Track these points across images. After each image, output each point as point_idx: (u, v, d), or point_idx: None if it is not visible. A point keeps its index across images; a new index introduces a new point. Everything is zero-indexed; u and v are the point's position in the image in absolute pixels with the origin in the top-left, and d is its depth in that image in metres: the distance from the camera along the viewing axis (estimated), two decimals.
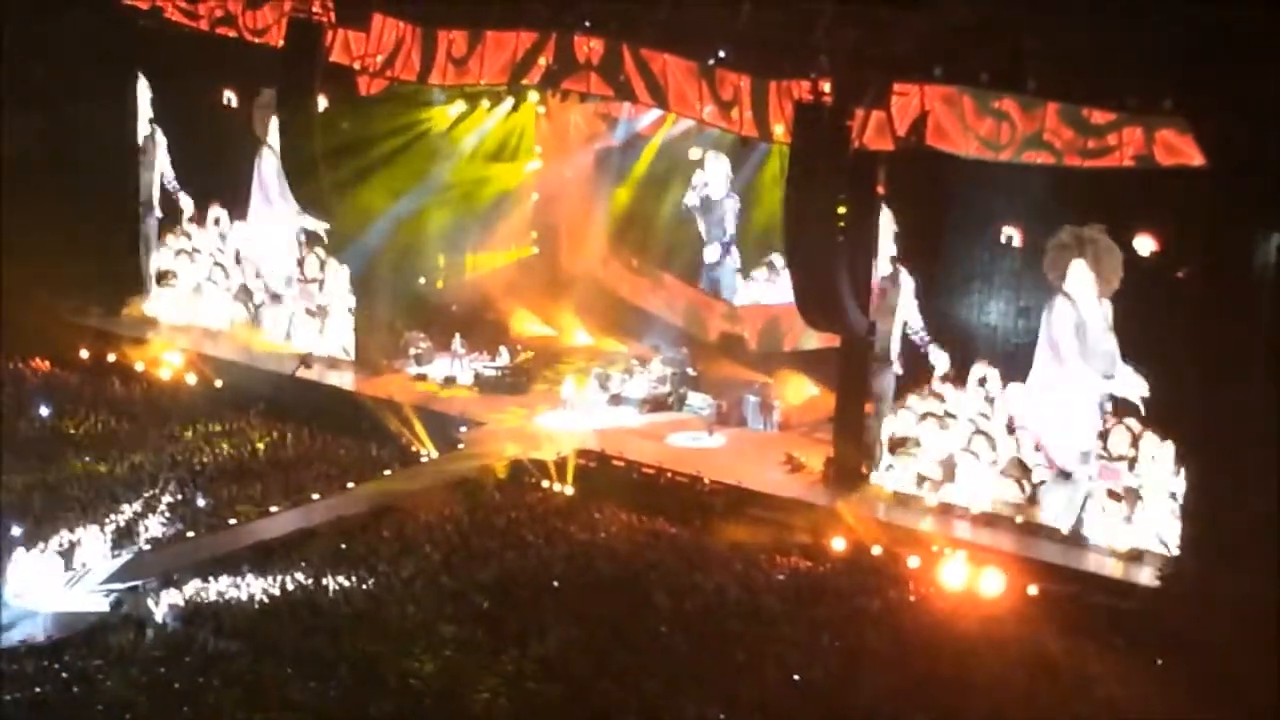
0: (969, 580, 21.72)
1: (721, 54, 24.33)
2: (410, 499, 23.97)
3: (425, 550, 22.26)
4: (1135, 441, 22.23)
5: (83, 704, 18.19)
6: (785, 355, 28.74)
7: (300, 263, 29.93)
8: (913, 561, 22.19)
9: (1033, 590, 21.40)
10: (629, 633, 20.12)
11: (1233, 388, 20.84)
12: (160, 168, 31.18)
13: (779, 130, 23.92)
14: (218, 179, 30.62)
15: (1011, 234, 22.85)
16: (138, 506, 23.13)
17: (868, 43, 22.72)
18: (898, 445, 24.15)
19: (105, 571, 21.14)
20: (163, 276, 31.51)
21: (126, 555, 21.68)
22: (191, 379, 29.18)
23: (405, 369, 29.32)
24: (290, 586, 21.14)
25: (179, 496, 23.74)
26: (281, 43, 27.50)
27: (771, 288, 28.74)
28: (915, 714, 18.67)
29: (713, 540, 22.95)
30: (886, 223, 23.68)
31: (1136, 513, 22.18)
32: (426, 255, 30.67)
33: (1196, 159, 20.61)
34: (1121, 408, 22.33)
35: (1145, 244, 21.78)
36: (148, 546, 22.15)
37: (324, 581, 21.26)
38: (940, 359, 23.68)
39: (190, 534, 22.65)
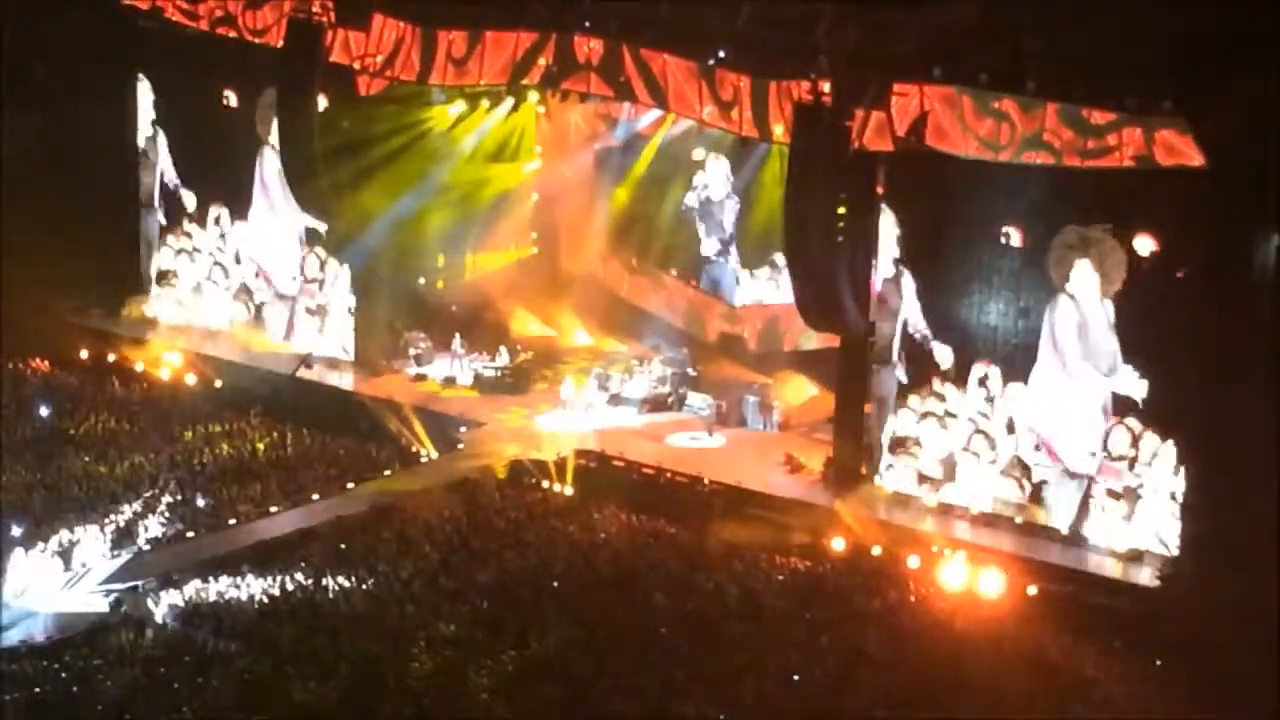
0: (969, 580, 21.72)
1: (721, 54, 24.33)
2: (410, 499, 23.97)
3: (425, 550, 22.26)
4: (1135, 441, 22.23)
5: (83, 704, 18.20)
6: (785, 355, 28.77)
7: (301, 262, 29.93)
8: (912, 562, 22.19)
9: (1032, 590, 21.40)
10: (629, 633, 20.12)
11: (1233, 388, 20.84)
12: (162, 168, 31.16)
13: (779, 130, 23.91)
14: (218, 179, 30.62)
15: (1011, 234, 22.85)
16: (138, 506, 23.13)
17: (867, 43, 22.72)
18: (898, 445, 24.15)
19: (105, 571, 21.15)
20: (163, 276, 31.51)
21: (126, 555, 21.69)
22: (191, 379, 29.18)
23: (405, 369, 29.32)
24: (290, 587, 21.14)
25: (179, 497, 23.75)
26: (281, 43, 27.48)
27: (774, 287, 28.72)
28: (915, 714, 18.68)
29: (712, 540, 22.94)
30: (889, 224, 23.69)
31: (1136, 512, 22.17)
32: (426, 255, 30.66)
33: (1196, 159, 20.60)
34: (1122, 407, 22.33)
35: (1145, 244, 21.79)
36: (147, 546, 22.16)
37: (324, 582, 21.26)
38: (944, 354, 23.65)
39: (190, 534, 22.66)
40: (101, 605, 20.38)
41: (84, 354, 29.93)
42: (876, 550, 22.56)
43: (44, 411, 27.04)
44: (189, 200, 31.01)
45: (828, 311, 23.63)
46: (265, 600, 20.78)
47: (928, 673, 19.44)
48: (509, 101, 29.46)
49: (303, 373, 28.77)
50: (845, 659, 19.71)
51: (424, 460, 26.21)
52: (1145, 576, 21.63)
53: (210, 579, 21.12)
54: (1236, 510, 20.84)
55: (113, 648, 19.41)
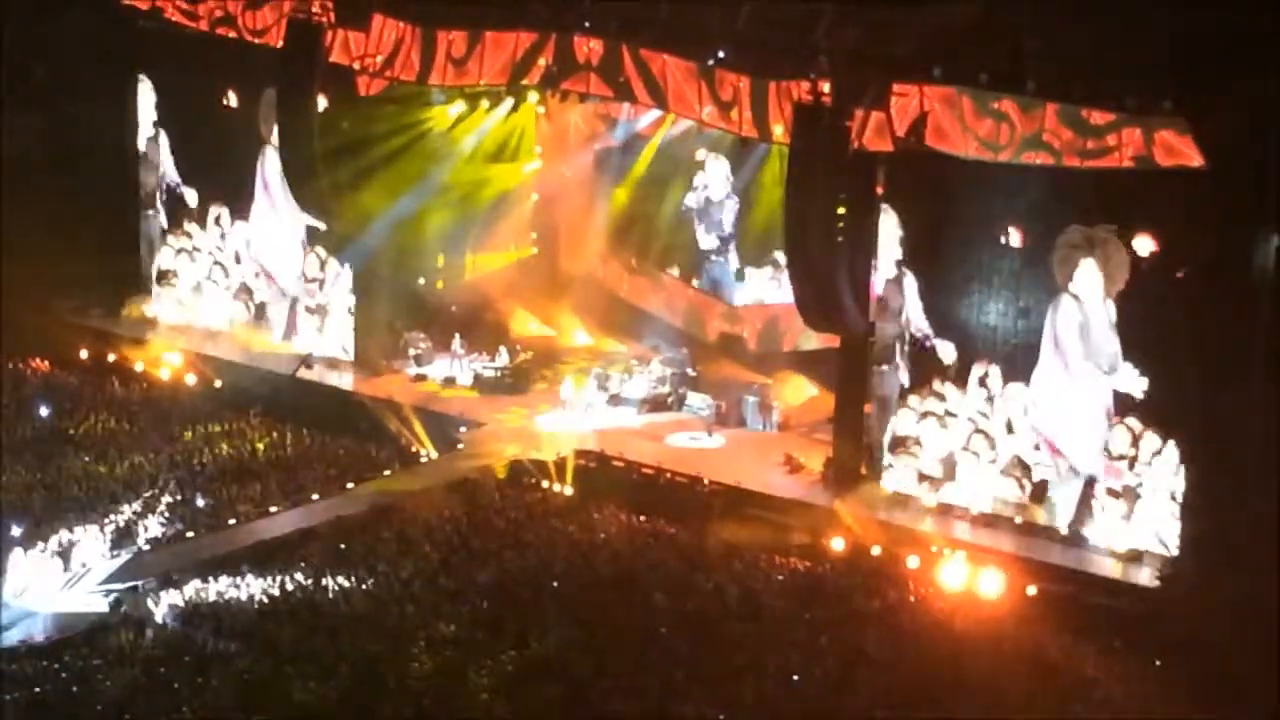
0: (968, 580, 21.72)
1: (721, 54, 24.32)
2: (410, 499, 23.97)
3: (425, 550, 22.26)
4: (1135, 441, 22.24)
5: (83, 704, 18.20)
6: (785, 355, 28.76)
7: (303, 262, 29.95)
8: (912, 562, 22.19)
9: (1032, 590, 21.40)
10: (629, 633, 20.12)
11: (1233, 388, 20.84)
12: (164, 168, 31.14)
13: (778, 131, 23.91)
14: (218, 178, 30.61)
15: (1011, 234, 22.85)
16: (137, 506, 23.13)
17: (867, 43, 22.72)
18: (898, 445, 24.15)
19: (105, 571, 21.14)
20: (162, 276, 31.50)
21: (126, 555, 21.68)
22: (191, 379, 29.18)
23: (405, 369, 29.31)
24: (290, 587, 21.14)
25: (179, 497, 23.75)
26: (281, 43, 27.48)
27: (776, 286, 28.70)
28: (915, 714, 18.68)
29: (712, 540, 22.93)
30: (892, 225, 23.68)
31: (1136, 512, 22.17)
32: (426, 255, 30.64)
33: (1196, 159, 20.59)
34: (1123, 407, 22.33)
35: (1145, 244, 21.79)
36: (147, 547, 22.16)
37: (324, 582, 21.26)
38: (947, 351, 23.64)
39: (190, 534, 22.65)
40: (101, 605, 20.38)
41: (84, 354, 29.92)
42: (876, 550, 22.56)
43: (44, 411, 27.03)
44: (191, 198, 30.97)
45: (828, 311, 23.63)
46: (265, 600, 20.77)
47: (928, 673, 19.44)
48: (509, 102, 29.45)
49: (303, 373, 28.77)
50: (845, 659, 19.71)
51: (424, 460, 26.21)
52: (1145, 576, 21.63)
53: (210, 579, 21.12)
54: (1236, 510, 20.84)
55: (113, 648, 19.41)
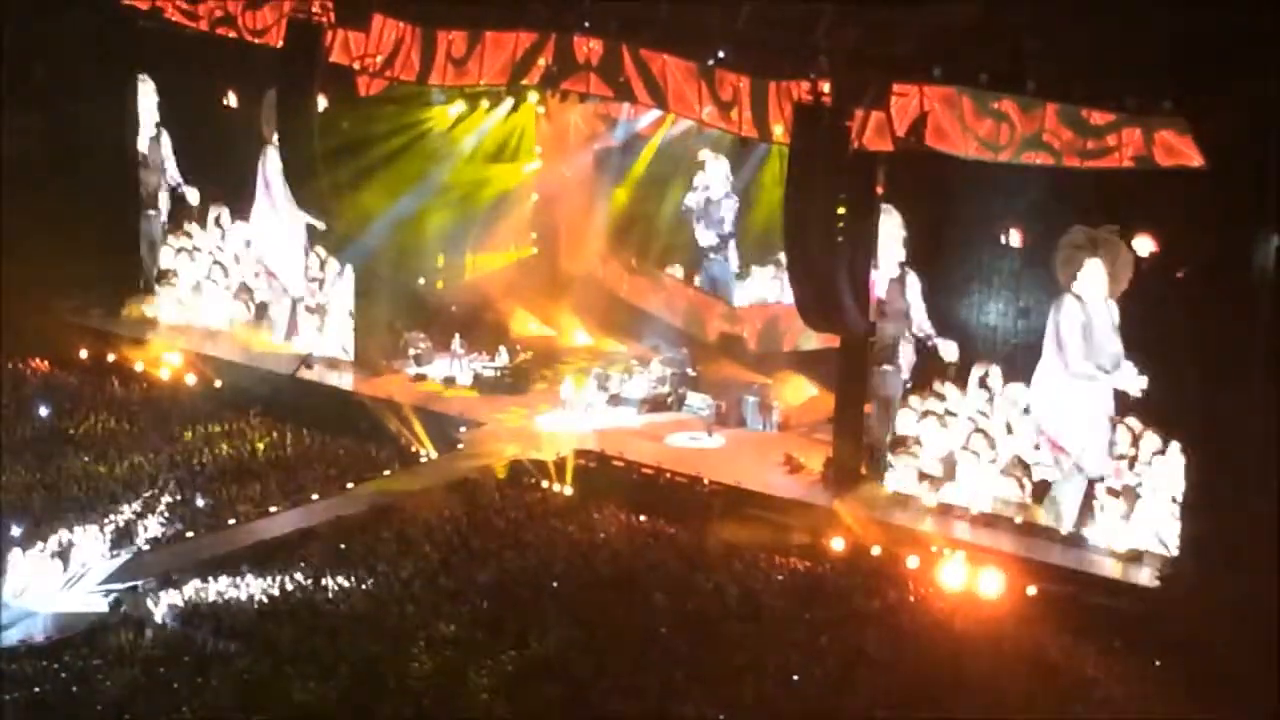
0: (968, 580, 21.72)
1: (721, 54, 24.31)
2: (410, 499, 23.97)
3: (425, 550, 22.26)
4: (1135, 440, 22.24)
5: (83, 704, 18.20)
6: (785, 355, 28.76)
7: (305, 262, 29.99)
8: (912, 562, 22.19)
9: (1032, 591, 21.40)
10: (629, 633, 20.12)
11: (1233, 388, 20.83)
12: (167, 169, 31.12)
13: (778, 131, 23.90)
14: (218, 178, 30.61)
15: (1012, 234, 22.86)
16: (137, 506, 23.13)
17: (867, 43, 22.71)
18: (898, 444, 24.15)
19: (105, 571, 21.14)
20: (163, 275, 31.50)
21: (126, 555, 21.68)
22: (191, 379, 29.18)
23: (405, 369, 29.31)
24: (290, 587, 21.14)
25: (178, 497, 23.75)
26: (281, 43, 27.47)
27: (778, 285, 28.70)
28: (915, 714, 18.68)
29: (712, 540, 22.94)
30: (895, 225, 23.66)
31: (1136, 511, 22.17)
32: (426, 255, 30.64)
33: (1196, 159, 20.59)
34: (1123, 407, 22.32)
35: (1145, 244, 21.80)
36: (147, 546, 22.16)
37: (323, 582, 21.26)
38: (949, 350, 23.63)
39: (190, 534, 22.65)
40: (101, 605, 20.38)
41: (84, 354, 29.92)
42: (876, 550, 22.56)
43: (44, 411, 27.02)
44: (192, 198, 30.94)
45: (828, 311, 23.63)
46: (265, 600, 20.77)
47: (928, 673, 19.44)
48: (509, 102, 29.45)
49: (303, 373, 28.76)
50: (845, 659, 19.71)
51: (424, 460, 26.21)
52: (1145, 576, 21.63)
53: (210, 579, 21.12)
54: (1236, 510, 20.84)
55: (112, 648, 19.41)
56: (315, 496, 24.15)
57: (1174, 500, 21.80)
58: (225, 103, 29.95)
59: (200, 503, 23.73)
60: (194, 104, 30.43)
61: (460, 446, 26.36)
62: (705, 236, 30.02)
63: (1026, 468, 23.11)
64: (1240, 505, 20.78)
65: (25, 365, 29.34)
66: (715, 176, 29.69)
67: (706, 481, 24.31)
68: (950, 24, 22.32)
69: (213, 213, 30.90)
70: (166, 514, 23.10)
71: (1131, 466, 22.29)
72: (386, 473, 25.35)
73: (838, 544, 22.72)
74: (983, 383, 23.55)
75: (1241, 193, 20.56)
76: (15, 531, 21.54)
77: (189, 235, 31.21)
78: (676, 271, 30.81)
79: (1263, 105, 20.10)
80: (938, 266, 23.69)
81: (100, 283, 31.57)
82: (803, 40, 23.16)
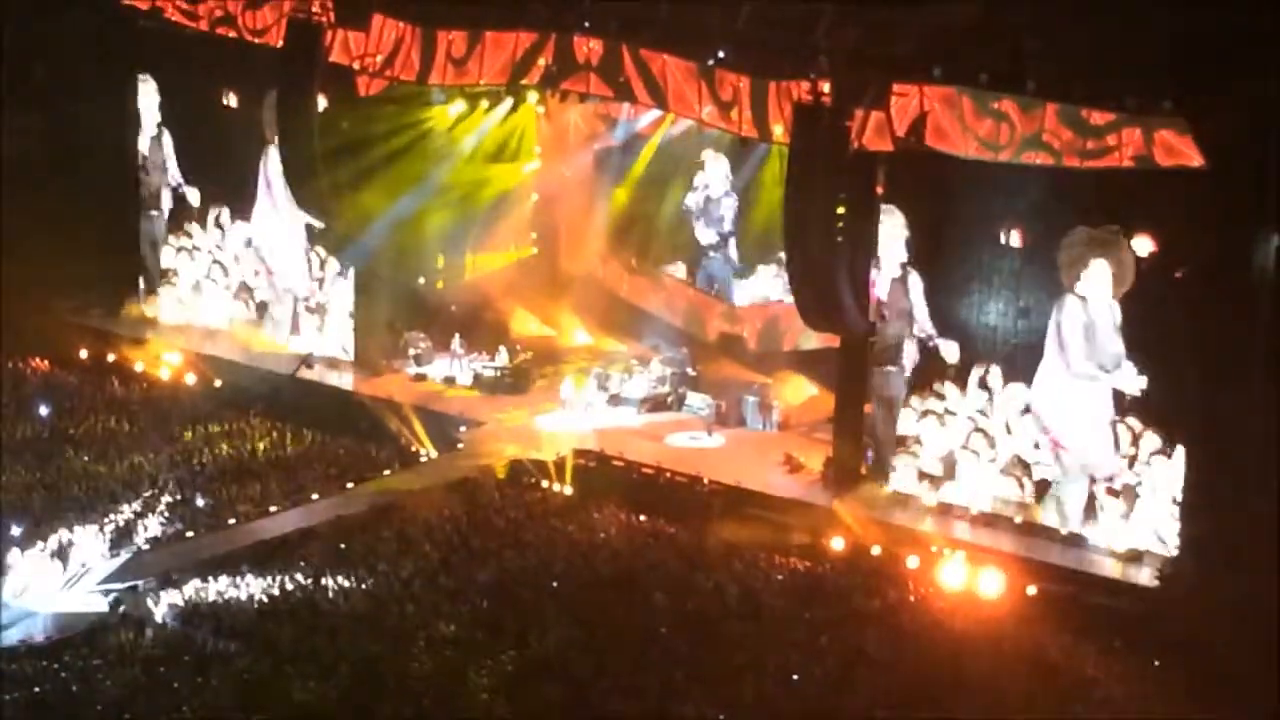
0: (968, 580, 21.73)
1: (721, 54, 24.31)
2: (410, 499, 23.98)
3: (425, 550, 22.27)
4: (1136, 440, 22.25)
5: (83, 704, 18.20)
6: (785, 355, 28.74)
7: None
8: (912, 562, 22.19)
9: (1032, 590, 21.40)
10: (629, 633, 20.13)
11: (1233, 388, 20.83)
12: (168, 169, 31.09)
13: (778, 131, 23.89)
14: (218, 178, 30.59)
15: (1012, 234, 22.86)
16: (137, 506, 23.13)
17: (867, 43, 22.70)
18: (899, 444, 24.14)
19: (104, 571, 21.14)
20: (163, 275, 31.48)
21: (126, 555, 21.68)
22: (191, 379, 29.18)
23: (405, 369, 29.31)
24: (290, 586, 21.15)
25: (178, 496, 23.75)
26: (281, 43, 27.47)
27: (781, 283, 28.68)
28: (915, 714, 18.68)
29: (712, 540, 22.95)
30: (898, 225, 23.64)
31: (1136, 511, 22.18)
32: (426, 255, 30.62)
33: (1196, 159, 20.59)
34: (1123, 406, 22.32)
35: (1145, 244, 21.81)
36: (147, 546, 22.16)
37: (323, 581, 21.27)
38: (950, 350, 23.62)
39: (190, 534, 22.65)
40: (101, 605, 20.38)
41: (84, 354, 29.92)
42: (876, 550, 22.56)
43: (44, 411, 27.02)
44: (194, 198, 30.91)
45: (828, 311, 23.62)
46: (265, 600, 20.78)
47: (928, 673, 19.45)
48: (508, 102, 29.45)
49: (303, 372, 28.75)
50: (845, 659, 19.72)
51: (424, 460, 26.21)
52: (1145, 576, 21.63)
53: (210, 579, 21.13)
54: (1236, 510, 20.84)
55: (112, 648, 19.42)
56: (315, 496, 24.15)
57: (1174, 501, 21.79)
58: (225, 103, 29.95)
59: (200, 502, 23.73)
60: (194, 104, 30.41)
61: (460, 446, 26.36)
62: (705, 235, 30.03)
63: (1027, 467, 23.12)
64: (1240, 505, 20.77)
65: (25, 365, 29.33)
66: (715, 175, 29.68)
67: (706, 481, 24.32)
68: (950, 24, 22.32)
69: (213, 212, 30.90)
70: (166, 514, 23.11)
71: (1131, 466, 22.30)
72: (386, 472, 25.36)
73: (838, 544, 22.73)
74: (983, 382, 23.56)
75: (1241, 193, 20.55)
76: (15, 531, 21.55)
77: (189, 235, 31.20)
78: (676, 271, 30.80)
79: (1263, 105, 20.09)
80: (938, 266, 23.71)
81: (100, 283, 31.54)
82: (803, 40, 23.15)
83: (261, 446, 26.28)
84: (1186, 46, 20.42)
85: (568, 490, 24.76)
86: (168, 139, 31.02)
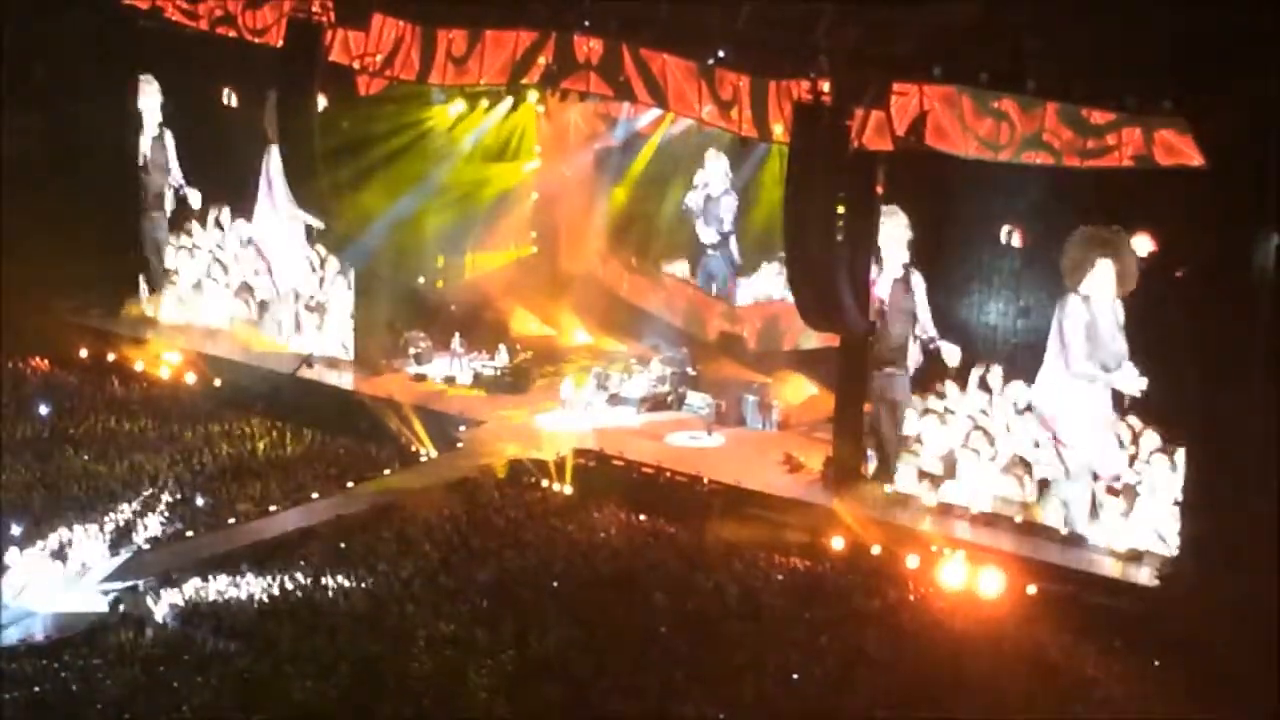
0: (969, 580, 21.72)
1: (721, 54, 24.31)
2: (410, 498, 23.98)
3: (425, 550, 22.27)
4: (1136, 438, 22.25)
5: (83, 703, 18.19)
6: (785, 355, 28.74)
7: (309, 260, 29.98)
8: (912, 561, 22.19)
9: (1032, 590, 21.40)
10: (629, 632, 20.13)
11: (1233, 388, 20.83)
12: (171, 169, 31.07)
13: (778, 130, 23.89)
14: (219, 177, 30.59)
15: (1011, 234, 22.86)
16: (137, 506, 23.13)
17: (867, 43, 22.70)
18: (900, 443, 24.15)
19: (104, 571, 21.14)
20: (164, 275, 31.49)
21: (126, 554, 21.68)
22: (191, 378, 29.18)
23: (405, 368, 29.31)
24: (290, 586, 21.15)
25: (178, 496, 23.75)
26: (281, 42, 27.47)
27: (782, 281, 28.66)
28: (915, 714, 18.68)
29: (712, 540, 22.95)
30: (902, 228, 23.62)
31: (1135, 510, 22.18)
32: (426, 255, 30.65)
33: (1196, 159, 20.59)
34: (1125, 406, 22.31)
35: (1145, 244, 21.81)
36: (147, 546, 22.16)
37: (323, 581, 21.27)
38: (952, 353, 23.61)
39: (190, 533, 22.65)
40: (101, 605, 20.37)
41: (84, 353, 29.92)
42: (876, 550, 22.56)
43: (44, 410, 27.02)
44: (195, 199, 30.90)
45: (828, 311, 23.62)
46: (265, 600, 20.78)
47: (928, 673, 19.45)
48: (508, 101, 29.46)
49: (304, 372, 28.75)
50: (845, 659, 19.72)
51: (424, 459, 26.21)
52: (1145, 576, 21.62)
53: (210, 578, 21.12)
54: (1236, 510, 20.84)
55: (112, 647, 19.40)
56: (315, 495, 24.15)
57: (1175, 503, 21.78)
58: (226, 102, 29.95)
59: (200, 502, 23.73)
60: (194, 104, 30.43)
61: (460, 446, 26.37)
62: (705, 234, 30.04)
63: (1027, 466, 23.11)
64: (1240, 505, 20.77)
65: (25, 365, 29.34)
66: (715, 174, 29.70)
67: (706, 481, 24.32)
68: (950, 24, 22.31)
69: (213, 212, 30.89)
70: (166, 513, 23.11)
71: (1131, 465, 22.30)
72: (386, 472, 25.36)
73: (838, 543, 22.72)
74: (983, 382, 23.56)
75: (1241, 193, 20.54)
76: (15, 531, 21.55)
77: (189, 234, 31.19)
78: (676, 270, 30.82)
79: (1263, 105, 20.08)
80: (938, 266, 23.71)
81: (100, 283, 31.55)
82: (803, 40, 23.14)
83: (261, 446, 26.28)
84: (1186, 46, 20.41)
85: (568, 490, 24.77)
86: (170, 139, 31.02)
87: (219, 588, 20.95)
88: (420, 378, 29.04)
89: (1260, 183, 20.35)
